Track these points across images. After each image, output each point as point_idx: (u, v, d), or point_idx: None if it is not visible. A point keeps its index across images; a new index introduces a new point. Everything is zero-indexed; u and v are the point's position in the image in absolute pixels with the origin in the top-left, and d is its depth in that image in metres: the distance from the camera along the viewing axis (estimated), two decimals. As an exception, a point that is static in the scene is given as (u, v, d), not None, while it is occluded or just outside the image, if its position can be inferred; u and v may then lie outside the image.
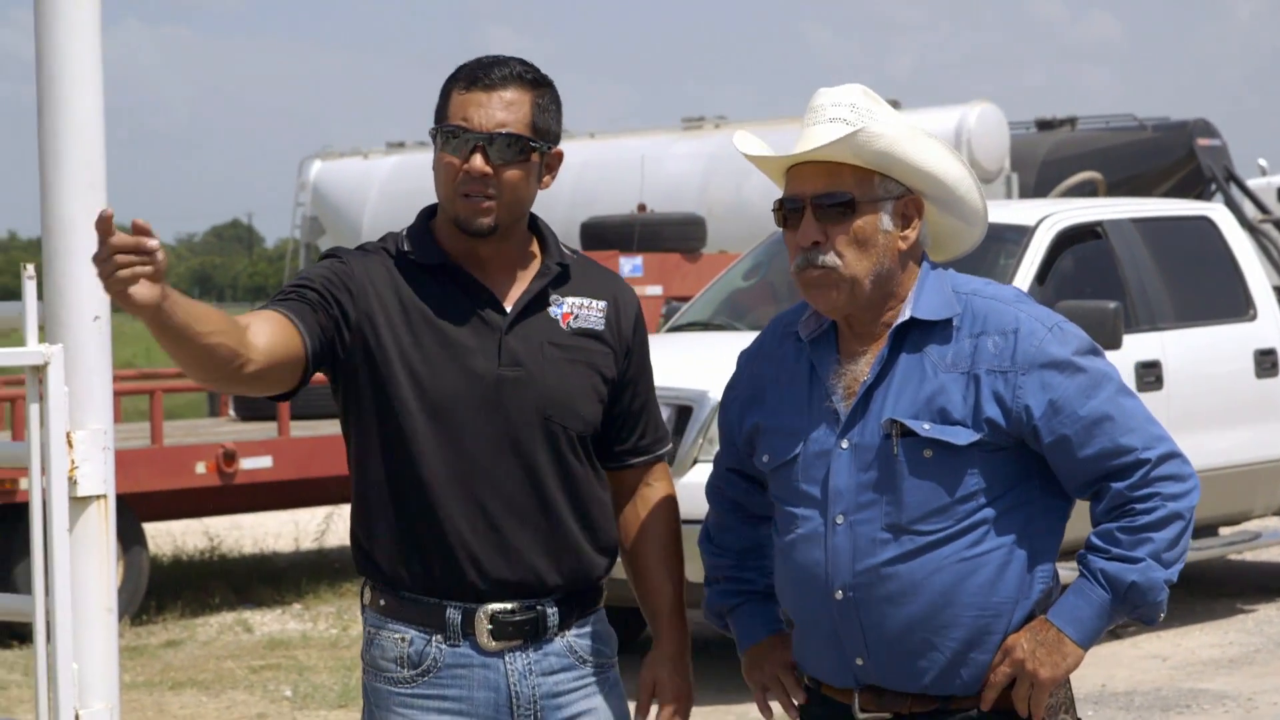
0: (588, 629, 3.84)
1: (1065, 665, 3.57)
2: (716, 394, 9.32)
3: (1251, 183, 22.14)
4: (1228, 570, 12.76)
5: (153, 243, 3.26)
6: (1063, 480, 3.62)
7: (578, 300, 3.82)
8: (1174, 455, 3.59)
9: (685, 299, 14.23)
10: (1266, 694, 9.15)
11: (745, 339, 12.15)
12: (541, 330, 3.77)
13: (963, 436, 3.56)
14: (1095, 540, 3.58)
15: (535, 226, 3.85)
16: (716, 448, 9.83)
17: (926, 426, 3.56)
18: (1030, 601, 3.61)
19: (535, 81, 3.77)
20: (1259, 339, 11.03)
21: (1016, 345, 3.57)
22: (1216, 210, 11.76)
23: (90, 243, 4.58)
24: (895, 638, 3.58)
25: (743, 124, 21.07)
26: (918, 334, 3.63)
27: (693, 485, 9.12)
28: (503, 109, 3.71)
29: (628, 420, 3.89)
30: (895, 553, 3.57)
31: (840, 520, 3.61)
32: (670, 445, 4.01)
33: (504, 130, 3.69)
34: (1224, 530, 11.30)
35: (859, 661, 3.63)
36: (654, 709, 3.88)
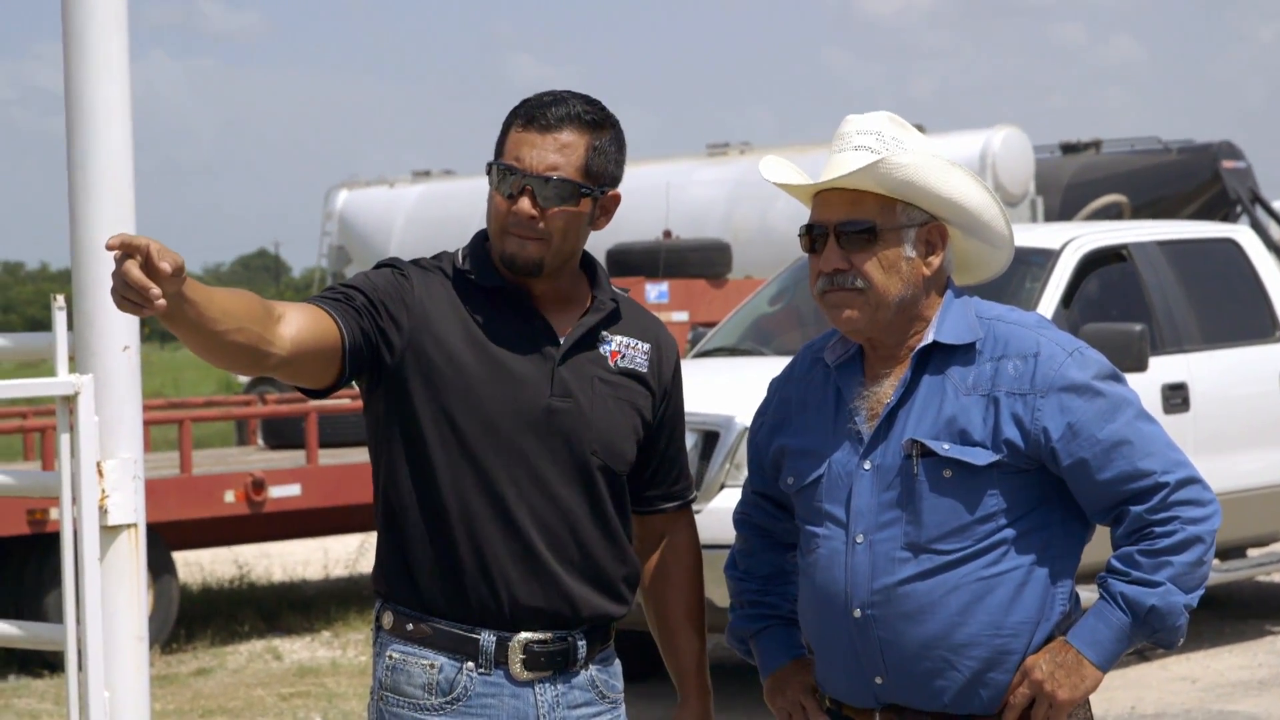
0: (606, 663, 3.85)
1: (1084, 687, 3.60)
2: (743, 419, 9.39)
3: (1277, 204, 22.13)
4: (1256, 592, 12.73)
5: (155, 291, 3.20)
6: (1082, 504, 3.64)
7: (625, 340, 3.82)
8: (1194, 480, 3.61)
9: (711, 325, 14.25)
10: (1296, 716, 9.13)
11: (771, 364, 12.16)
12: (592, 365, 3.77)
13: (982, 457, 3.59)
14: (1115, 563, 3.60)
15: (587, 263, 3.85)
16: (744, 473, 9.84)
17: (946, 447, 3.59)
18: (1050, 623, 3.63)
19: (594, 123, 3.74)
20: (1285, 361, 11.01)
21: (1036, 369, 3.60)
22: (1241, 232, 11.75)
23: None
24: (913, 656, 3.61)
25: (767, 149, 21.11)
26: (940, 357, 3.67)
27: (719, 511, 9.20)
28: (556, 151, 3.69)
29: (660, 465, 3.90)
30: (913, 571, 3.60)
31: (860, 539, 3.64)
32: (695, 493, 4.04)
33: (555, 175, 3.67)
34: (1252, 552, 11.28)
35: (878, 680, 3.65)
36: None
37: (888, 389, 3.69)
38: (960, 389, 3.63)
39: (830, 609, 3.67)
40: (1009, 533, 3.60)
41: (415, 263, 3.81)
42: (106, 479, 4.67)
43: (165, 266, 3.20)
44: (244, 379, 28.04)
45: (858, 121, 3.72)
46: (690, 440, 9.23)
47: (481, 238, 3.82)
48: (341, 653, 11.65)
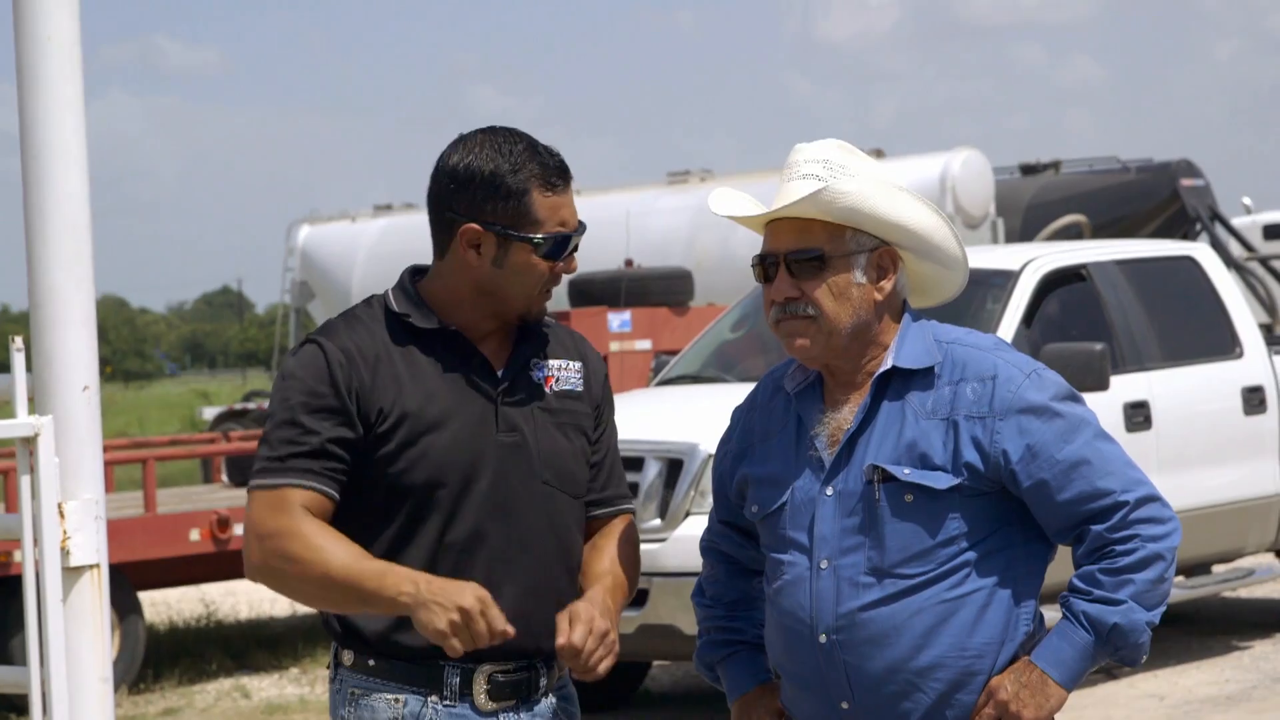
0: (564, 690, 3.86)
1: (1049, 706, 3.61)
2: (707, 447, 9.40)
3: (1236, 221, 22.23)
4: (1222, 608, 12.77)
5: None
6: (1043, 525, 3.66)
7: (558, 363, 3.85)
8: (1153, 499, 3.63)
9: (674, 352, 14.27)
10: (1265, 731, 9.15)
11: (735, 391, 12.17)
12: (531, 395, 3.80)
13: (942, 481, 3.61)
14: (1077, 582, 3.62)
15: None
16: (709, 501, 9.85)
17: (907, 471, 3.61)
18: (1014, 644, 3.65)
19: None
20: (1246, 376, 11.07)
21: (994, 391, 3.62)
22: (1200, 249, 11.80)
23: (78, 313, 4.64)
24: (878, 681, 3.62)
25: (729, 177, 21.14)
26: (899, 382, 3.69)
27: (685, 539, 9.22)
28: (573, 203, 3.78)
29: (595, 473, 3.91)
30: (877, 596, 3.61)
31: (824, 565, 3.65)
32: (633, 504, 4.04)
33: (583, 224, 3.77)
34: (1217, 568, 11.32)
35: (844, 706, 3.66)
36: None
37: (847, 415, 3.71)
38: (920, 413, 3.65)
39: (796, 635, 3.69)
40: (971, 555, 3.62)
41: (346, 317, 3.79)
42: (68, 520, 4.65)
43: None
44: (209, 416, 28.02)
45: (806, 150, 3.75)
46: (654, 468, 9.24)
47: (411, 275, 3.84)
48: (310, 689, 11.62)
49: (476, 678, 3.71)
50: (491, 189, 3.71)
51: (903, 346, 3.71)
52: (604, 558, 3.86)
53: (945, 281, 3.82)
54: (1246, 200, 27.24)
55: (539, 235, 3.71)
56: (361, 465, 3.70)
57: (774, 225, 3.74)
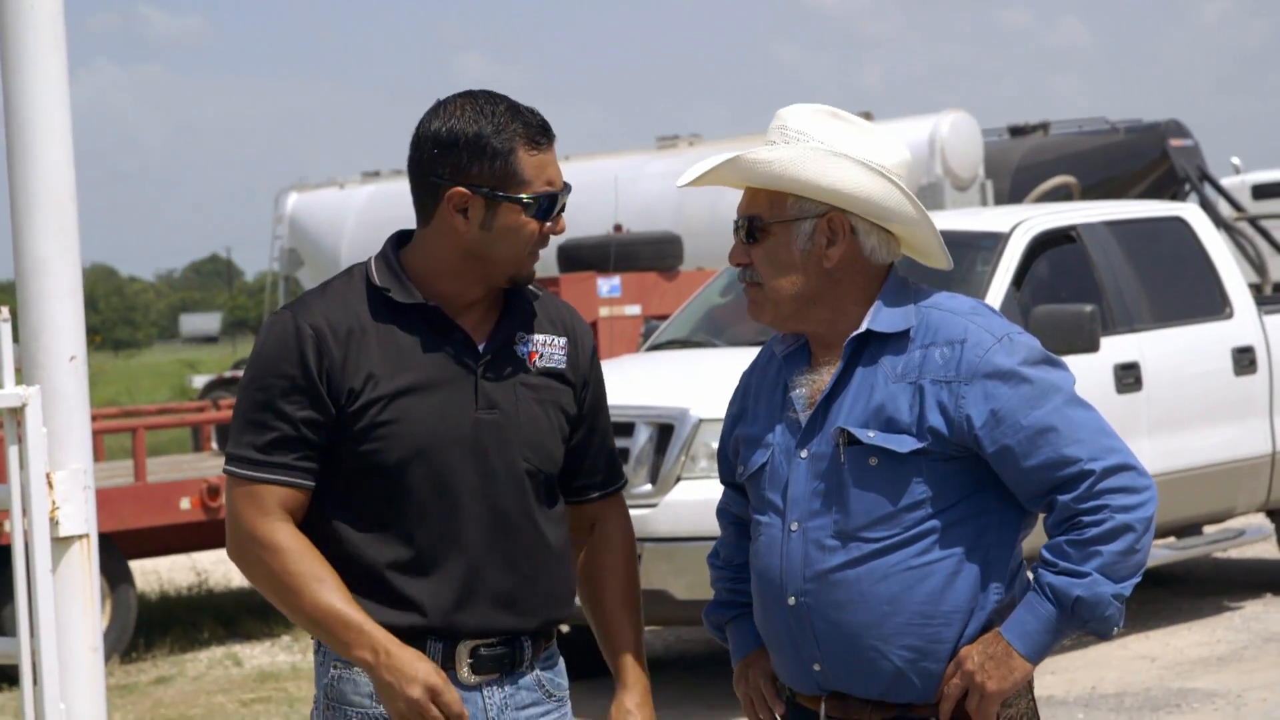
0: (550, 662, 3.85)
1: (1013, 679, 3.56)
2: (698, 412, 9.39)
3: (1225, 181, 22.22)
4: (1214, 569, 12.79)
5: None
6: (1014, 491, 3.62)
7: (542, 338, 3.81)
8: (1125, 467, 3.55)
9: (664, 318, 14.25)
10: (1255, 690, 9.17)
11: (724, 355, 12.11)
12: (513, 371, 3.76)
13: (906, 445, 3.58)
14: (1045, 554, 3.57)
15: None
16: (699, 465, 9.81)
17: (871, 434, 3.60)
18: (985, 612, 3.61)
19: None
20: (1236, 337, 11.05)
21: (962, 355, 3.59)
22: (1189, 210, 11.78)
23: (65, 284, 4.63)
24: (846, 644, 3.62)
25: (718, 142, 21.12)
26: (875, 346, 3.67)
27: (675, 504, 9.22)
28: (558, 161, 3.75)
29: (586, 454, 3.89)
30: (843, 559, 3.61)
31: (795, 527, 3.66)
32: (625, 480, 4.04)
33: (568, 184, 3.74)
34: (1208, 529, 11.33)
35: (816, 667, 3.67)
36: None
37: (824, 377, 3.70)
38: (890, 377, 3.63)
39: (771, 596, 3.71)
40: (938, 521, 3.60)
41: (324, 289, 3.77)
42: (56, 490, 4.66)
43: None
44: (199, 385, 28.00)
45: (781, 115, 3.74)
46: (645, 434, 9.23)
47: (394, 244, 3.80)
48: (302, 657, 11.62)
49: (460, 651, 3.69)
50: (476, 150, 3.67)
51: (880, 311, 3.68)
52: (616, 591, 3.91)
53: (921, 242, 3.75)
54: (1235, 160, 27.24)
55: (527, 195, 3.67)
56: (337, 442, 3.68)
57: (745, 191, 3.75)
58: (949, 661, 3.60)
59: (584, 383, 3.87)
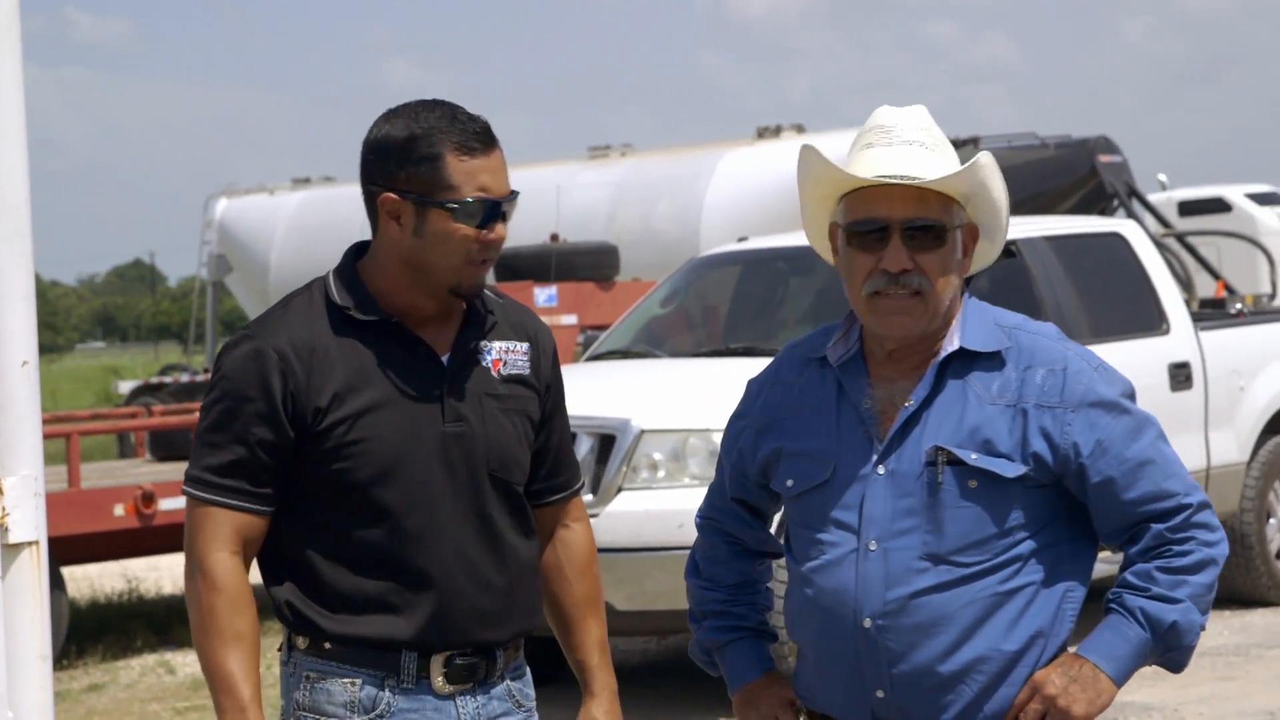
0: (519, 672, 3.85)
1: (1100, 702, 3.48)
2: (639, 422, 9.37)
3: (1152, 197, 22.36)
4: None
5: None
6: (1100, 522, 3.56)
7: (504, 345, 3.78)
8: (1208, 505, 3.54)
9: (600, 328, 14.24)
10: (1191, 704, 9.23)
11: (665, 366, 12.05)
12: (478, 381, 3.74)
13: (1010, 469, 3.49)
14: (1132, 578, 3.52)
15: None
16: (641, 476, 9.76)
17: (974, 456, 3.48)
18: (1059, 639, 3.54)
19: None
20: (1173, 353, 11.12)
21: (1065, 382, 3.51)
22: (1127, 226, 11.85)
23: (18, 289, 4.58)
24: (921, 670, 3.49)
25: (649, 152, 21.13)
26: (961, 363, 3.56)
27: (616, 514, 9.21)
28: (501, 169, 3.68)
29: (545, 457, 3.88)
30: (931, 582, 3.49)
31: (874, 546, 3.51)
32: (583, 481, 4.02)
33: (514, 192, 3.69)
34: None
35: (879, 694, 3.53)
36: None
37: (903, 392, 3.57)
38: (984, 398, 3.52)
39: (835, 617, 3.55)
40: (1024, 548, 3.51)
41: (284, 306, 3.74)
42: (7, 496, 4.60)
43: None
44: (124, 390, 27.81)
45: (901, 115, 3.60)
46: (586, 444, 9.21)
47: (352, 256, 3.77)
48: (236, 665, 11.53)
49: (434, 662, 3.68)
50: (404, 156, 3.65)
51: (967, 326, 3.58)
52: (579, 596, 3.91)
53: (986, 254, 3.69)
54: (1162, 177, 27.43)
55: (454, 200, 3.64)
56: (304, 463, 3.65)
57: (876, 192, 3.53)
58: (1021, 687, 3.50)
59: (547, 387, 3.85)
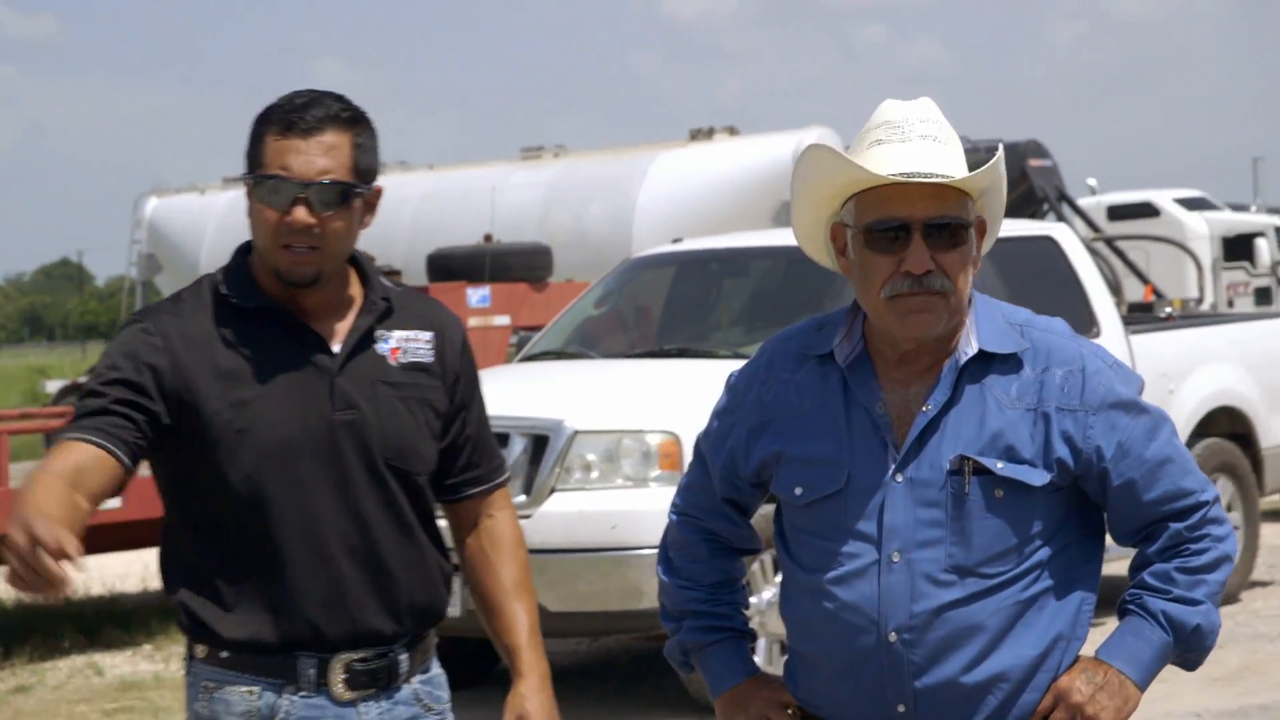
0: (429, 674, 3.78)
1: (1127, 710, 3.39)
2: (573, 423, 9.33)
3: (1082, 202, 22.51)
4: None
5: (71, 582, 3.19)
6: (1116, 523, 3.47)
7: (404, 334, 3.71)
8: (1218, 499, 3.47)
9: (533, 328, 14.22)
10: (1153, 703, 9.24)
11: (599, 367, 12.02)
12: (371, 369, 3.67)
13: (1037, 478, 3.37)
14: (1151, 580, 3.43)
15: (354, 261, 3.74)
16: (574, 477, 9.70)
17: (1000, 465, 3.35)
18: (1079, 642, 3.44)
19: (353, 120, 3.63)
20: (1103, 356, 11.14)
21: (1085, 383, 3.39)
22: (1059, 229, 11.87)
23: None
24: (946, 683, 3.37)
25: (582, 153, 21.12)
26: (978, 365, 3.41)
27: (549, 515, 9.17)
28: (323, 154, 3.57)
29: (461, 450, 3.81)
30: (959, 595, 3.36)
31: (896, 558, 3.37)
32: (508, 474, 3.94)
33: (326, 178, 3.56)
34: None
35: (901, 709, 3.39)
36: None
37: (917, 396, 3.41)
38: (1003, 401, 3.39)
39: (856, 631, 3.40)
40: (1044, 553, 3.40)
41: (175, 299, 3.69)
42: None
43: (73, 558, 3.16)
44: (51, 389, 27.61)
45: (910, 109, 3.45)
46: (519, 445, 9.17)
47: (242, 253, 3.72)
48: (164, 666, 11.48)
49: (333, 667, 3.62)
50: (250, 136, 3.64)
51: (981, 327, 3.42)
52: (506, 581, 3.83)
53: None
54: (1092, 181, 27.62)
55: (254, 176, 3.58)
56: (189, 457, 3.59)
57: (893, 190, 3.36)
58: (1043, 694, 3.40)
59: (456, 377, 3.77)
